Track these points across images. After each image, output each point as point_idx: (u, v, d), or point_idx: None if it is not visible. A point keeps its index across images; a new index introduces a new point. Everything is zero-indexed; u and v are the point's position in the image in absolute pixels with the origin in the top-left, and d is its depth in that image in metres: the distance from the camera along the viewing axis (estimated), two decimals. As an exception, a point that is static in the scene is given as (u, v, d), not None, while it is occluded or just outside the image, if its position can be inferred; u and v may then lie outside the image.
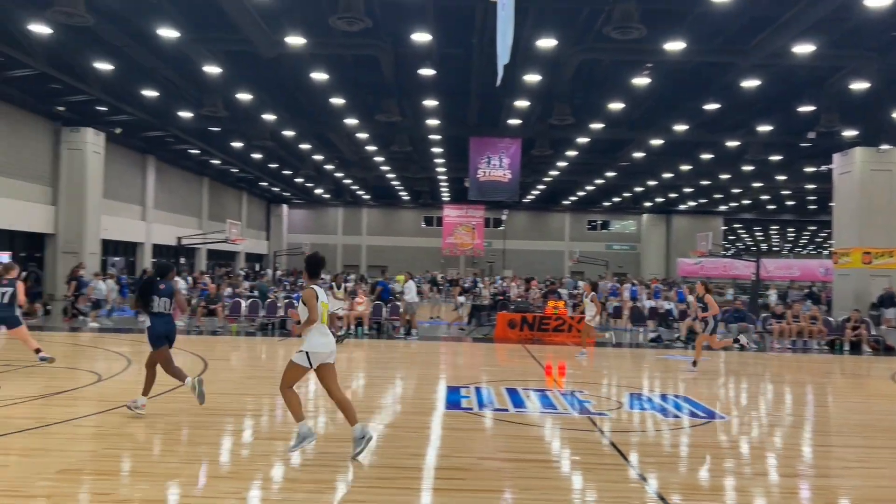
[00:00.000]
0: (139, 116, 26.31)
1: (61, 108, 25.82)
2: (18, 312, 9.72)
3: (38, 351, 9.50)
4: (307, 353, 6.12)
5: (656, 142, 28.98)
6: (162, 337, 7.66)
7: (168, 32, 17.52)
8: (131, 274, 32.23)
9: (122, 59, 20.79)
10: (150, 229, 35.62)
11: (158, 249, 36.67)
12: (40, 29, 17.79)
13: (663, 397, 9.99)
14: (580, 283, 27.04)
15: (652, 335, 18.47)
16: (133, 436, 6.77)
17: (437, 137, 30.29)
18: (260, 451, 6.37)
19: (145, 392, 7.61)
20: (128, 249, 34.52)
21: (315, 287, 6.17)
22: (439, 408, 8.73)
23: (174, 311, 7.85)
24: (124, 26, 18.13)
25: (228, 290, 20.78)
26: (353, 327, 17.16)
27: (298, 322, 6.22)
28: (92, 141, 27.84)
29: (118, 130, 29.14)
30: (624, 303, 22.75)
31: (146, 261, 34.62)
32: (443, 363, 13.19)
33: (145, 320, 7.78)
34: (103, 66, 21.23)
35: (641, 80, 20.43)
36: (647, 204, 51.16)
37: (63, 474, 5.40)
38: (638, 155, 32.04)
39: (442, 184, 44.93)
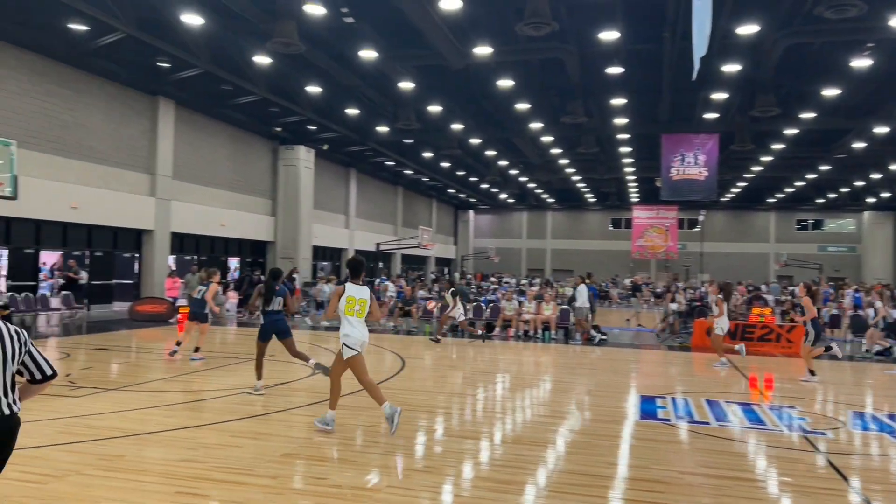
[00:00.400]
0: (343, 133, 28.59)
1: (278, 129, 28.87)
2: (207, 310, 11.94)
3: (196, 350, 11.78)
4: (345, 343, 7.06)
5: (880, 130, 25.61)
6: (269, 332, 9.09)
7: (368, 53, 18.88)
8: (337, 277, 35.07)
9: (328, 82, 22.79)
10: (353, 236, 38.54)
11: (359, 254, 39.54)
12: (262, 59, 20.08)
13: (892, 417, 8.82)
14: (795, 289, 24.67)
15: (878, 347, 16.33)
16: (342, 426, 7.38)
17: (626, 136, 29.38)
18: (453, 448, 6.62)
19: (258, 376, 9.08)
20: (334, 255, 37.65)
21: (347, 285, 7.20)
22: (632, 417, 8.47)
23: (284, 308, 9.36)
24: (330, 51, 19.85)
25: (422, 293, 21.83)
26: (539, 331, 17.19)
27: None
28: (304, 157, 30.84)
29: (325, 147, 31.97)
30: (844, 310, 20.39)
31: (348, 265, 37.45)
32: (634, 371, 12.77)
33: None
34: (313, 89, 23.44)
35: (861, 63, 18.21)
36: (870, 200, 45.26)
37: (285, 458, 6.05)
38: (858, 145, 28.53)
39: (630, 184, 43.46)
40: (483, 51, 18.47)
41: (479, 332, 16.25)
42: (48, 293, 18.95)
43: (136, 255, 23.64)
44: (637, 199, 47.47)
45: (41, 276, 20.16)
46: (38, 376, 3.54)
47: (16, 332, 3.43)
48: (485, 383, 10.63)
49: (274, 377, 10.41)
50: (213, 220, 26.46)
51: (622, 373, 12.40)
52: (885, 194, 42.66)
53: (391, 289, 21.81)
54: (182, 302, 20.41)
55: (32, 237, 19.84)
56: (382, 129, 28.49)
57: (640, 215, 45.78)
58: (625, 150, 32.35)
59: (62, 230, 20.70)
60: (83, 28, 17.52)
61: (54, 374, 3.59)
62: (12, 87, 18.43)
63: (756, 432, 7.72)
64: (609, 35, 17.18)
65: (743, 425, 8.05)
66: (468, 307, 17.61)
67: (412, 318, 18.71)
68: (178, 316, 16.54)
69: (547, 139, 30.11)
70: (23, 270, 19.62)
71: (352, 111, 26.36)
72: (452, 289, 17.08)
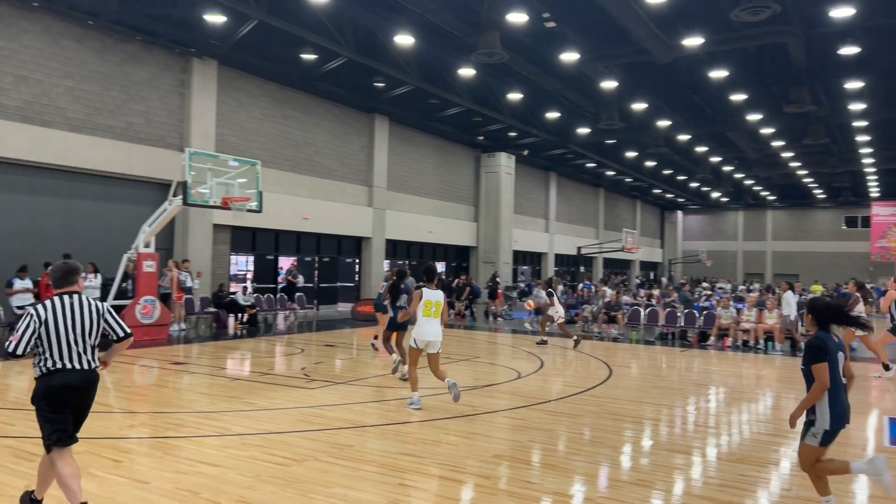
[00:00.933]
0: (543, 137, 28.72)
1: (481, 138, 29.79)
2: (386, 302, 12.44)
3: (375, 337, 13.19)
4: (414, 338, 8.24)
5: None
6: (396, 324, 10.61)
7: (569, 56, 18.79)
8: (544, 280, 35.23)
9: (529, 88, 23.08)
10: (553, 240, 38.49)
11: (560, 259, 39.40)
12: (466, 71, 20.87)
13: None
14: None
15: None
16: (549, 431, 7.41)
17: (863, 124, 26.04)
18: (662, 462, 6.34)
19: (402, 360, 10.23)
20: (533, 259, 37.91)
21: (424, 290, 8.34)
22: (873, 441, 7.47)
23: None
24: (532, 57, 20.07)
25: (626, 298, 21.17)
26: (760, 342, 15.81)
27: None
28: (504, 163, 31.48)
29: (525, 152, 32.34)
30: None
31: (549, 269, 37.51)
32: (876, 389, 11.23)
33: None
34: (514, 96, 23.86)
35: None
36: None
37: (496, 458, 6.22)
38: None
39: (869, 177, 38.36)
40: (693, 42, 17.52)
41: (574, 336, 15.25)
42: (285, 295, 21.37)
43: (357, 260, 25.79)
44: (877, 194, 41.76)
45: (279, 279, 22.81)
46: (117, 336, 4.64)
47: (95, 306, 4.58)
48: (697, 395, 10.04)
49: (481, 378, 10.74)
50: (421, 226, 28.02)
51: (860, 390, 10.97)
52: None
53: (541, 296, 21.51)
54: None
55: (272, 245, 22.54)
56: (583, 130, 28.15)
57: (880, 212, 40.29)
58: (862, 138, 28.70)
59: (296, 239, 23.24)
60: (312, 56, 19.55)
61: (128, 335, 4.68)
62: (255, 113, 21.09)
63: None
64: (842, 12, 15.38)
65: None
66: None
67: (618, 324, 18.22)
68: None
69: (767, 131, 27.69)
70: (265, 274, 22.41)
71: (552, 115, 26.40)
72: (549, 289, 16.17)
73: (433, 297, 8.30)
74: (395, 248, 27.59)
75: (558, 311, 15.82)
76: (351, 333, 17.46)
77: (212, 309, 17.85)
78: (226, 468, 5.66)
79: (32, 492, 4.66)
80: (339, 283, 25.52)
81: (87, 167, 16.74)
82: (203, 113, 19.24)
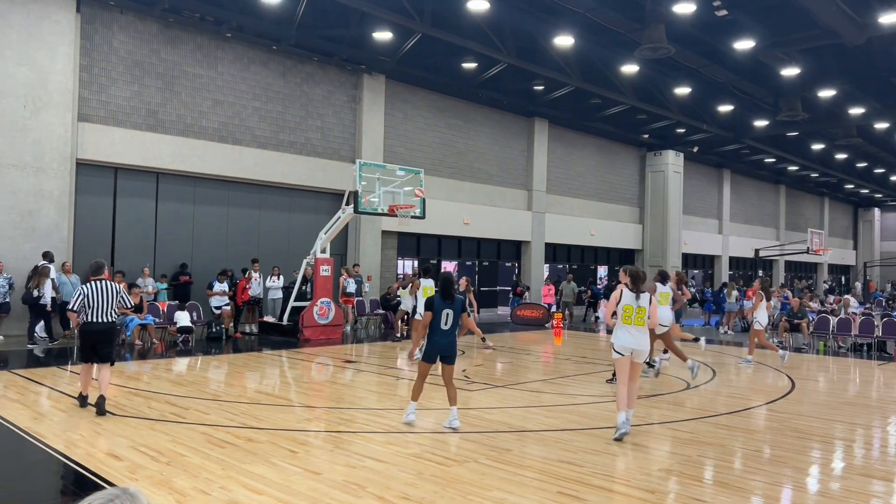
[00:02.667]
0: (713, 132, 27.02)
1: (645, 136, 28.63)
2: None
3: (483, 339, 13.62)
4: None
5: None
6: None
7: (744, 44, 17.55)
8: (711, 285, 33.16)
9: (698, 81, 21.84)
10: (727, 242, 36.02)
11: (734, 262, 36.79)
12: (629, 68, 20.20)
13: None
14: None
15: None
16: (721, 446, 6.92)
17: None
18: (856, 488, 5.66)
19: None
20: (705, 262, 35.71)
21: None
22: None
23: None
24: (700, 49, 18.98)
25: (814, 304, 19.29)
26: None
27: None
28: (672, 162, 30.01)
29: (695, 149, 30.59)
30: None
31: (723, 273, 35.13)
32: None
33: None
34: (681, 91, 22.69)
35: None
36: None
37: (661, 472, 5.91)
38: None
39: None
40: (891, 19, 15.60)
41: (778, 351, 13.25)
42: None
43: (517, 264, 25.86)
44: None
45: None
46: (129, 306, 8.37)
47: (114, 287, 7.92)
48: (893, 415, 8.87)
49: (645, 388, 10.30)
50: (582, 229, 27.49)
51: None
52: None
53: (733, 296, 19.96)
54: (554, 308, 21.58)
55: (435, 250, 23.26)
56: (760, 123, 26.12)
57: None
58: None
59: (457, 243, 23.80)
60: (473, 65, 19.95)
61: (133, 307, 8.74)
62: (420, 124, 21.91)
63: None
64: None
65: None
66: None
67: (802, 333, 16.63)
68: (554, 322, 17.55)
69: None
70: (428, 278, 23.18)
71: (724, 108, 24.80)
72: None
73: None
74: (555, 252, 27.30)
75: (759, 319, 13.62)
76: (511, 337, 17.52)
77: (380, 311, 18.77)
78: (390, 464, 5.90)
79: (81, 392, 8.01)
80: (498, 287, 25.74)
81: (273, 180, 18.35)
82: (372, 126, 20.34)
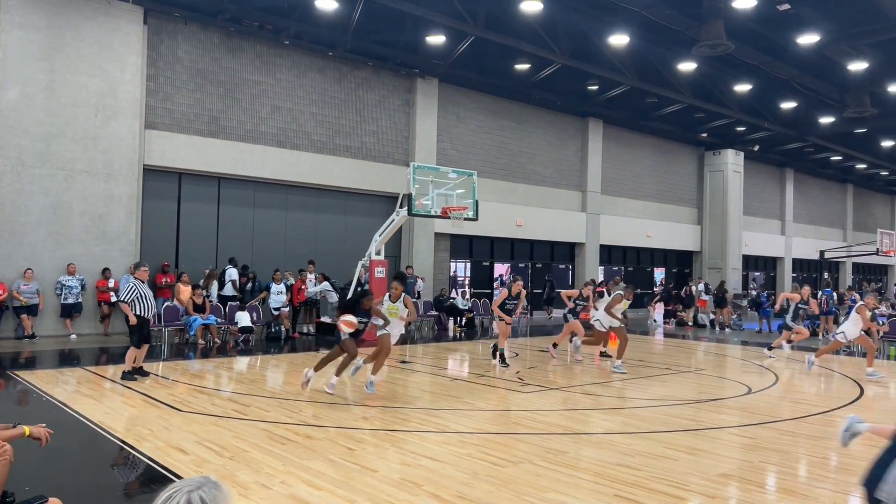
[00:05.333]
0: (775, 130, 26.21)
1: (704, 135, 27.97)
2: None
3: (555, 345, 13.24)
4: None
5: None
6: None
7: (807, 39, 16.98)
8: (771, 289, 32.12)
9: (758, 78, 21.23)
10: (790, 243, 34.83)
11: (798, 263, 35.54)
12: (686, 66, 19.79)
13: None
14: None
15: None
16: (785, 453, 6.71)
17: None
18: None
19: None
20: (767, 263, 34.62)
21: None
22: None
23: None
24: (761, 44, 18.46)
25: (883, 308, 18.48)
26: None
27: None
28: (732, 161, 29.23)
29: (756, 148, 29.73)
30: None
31: (786, 275, 33.98)
32: None
33: None
34: (741, 88, 22.10)
35: None
36: None
37: (722, 478, 5.78)
38: None
39: None
40: (967, 8, 14.84)
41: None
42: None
43: (570, 266, 25.62)
44: None
45: (494, 285, 23.48)
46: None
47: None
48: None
49: (706, 392, 10.08)
50: (638, 231, 27.03)
51: None
52: None
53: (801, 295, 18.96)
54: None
55: (488, 252, 23.28)
56: (826, 120, 25.18)
57: None
58: None
59: (510, 245, 23.76)
60: (526, 66, 19.90)
61: (119, 300, 10.16)
62: (472, 126, 21.97)
63: None
64: None
65: None
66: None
67: (872, 337, 15.92)
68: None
69: None
70: (481, 280, 23.21)
71: (787, 105, 24.01)
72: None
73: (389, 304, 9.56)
74: (610, 254, 26.92)
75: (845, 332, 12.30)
76: (565, 340, 17.33)
77: (433, 312, 18.89)
78: (445, 463, 5.95)
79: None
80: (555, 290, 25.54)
81: (329, 184, 18.71)
82: (426, 129, 20.51)
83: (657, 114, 24.50)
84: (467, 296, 20.15)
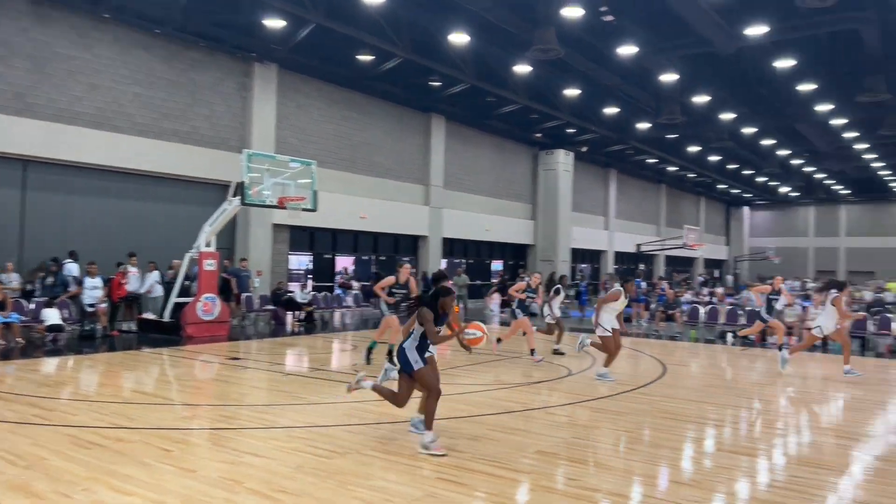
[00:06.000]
0: (601, 133, 28.24)
1: (538, 135, 29.51)
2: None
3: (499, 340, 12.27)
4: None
5: None
6: None
7: (628, 49, 18.40)
8: (594, 279, 34.68)
9: (586, 83, 22.71)
10: (612, 238, 37.79)
11: (619, 256, 38.65)
12: (522, 68, 20.71)
13: None
14: None
15: None
16: (595, 428, 7.26)
17: (947, 112, 24.49)
18: (723, 463, 6.12)
19: None
20: (593, 257, 37.30)
21: None
22: (952, 447, 7.01)
23: None
24: (588, 52, 19.74)
25: (687, 296, 20.61)
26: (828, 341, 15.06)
27: None
28: (563, 161, 31.11)
29: (584, 149, 31.86)
30: None
31: (608, 267, 36.84)
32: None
33: None
34: (571, 92, 23.53)
35: None
36: None
37: (538, 455, 6.14)
38: None
39: (955, 169, 36.13)
40: (757, 31, 16.87)
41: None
42: (341, 293, 21.79)
43: (414, 259, 25.96)
44: (965, 187, 39.24)
45: (337, 279, 23.25)
46: None
47: None
48: (761, 396, 9.65)
49: (532, 375, 10.64)
50: (478, 225, 27.99)
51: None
52: None
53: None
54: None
55: (330, 244, 22.97)
56: (643, 125, 27.52)
57: (969, 206, 37.74)
58: (946, 127, 26.93)
59: (353, 238, 23.61)
60: (369, 57, 19.80)
61: None
62: (314, 115, 21.53)
63: None
64: (919, -7, 14.50)
65: None
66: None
67: (676, 322, 17.74)
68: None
69: (839, 122, 26.42)
70: (323, 273, 22.86)
71: (611, 110, 25.92)
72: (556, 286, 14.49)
73: None
74: (452, 247, 27.64)
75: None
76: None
77: (270, 306, 18.30)
78: (270, 459, 5.78)
79: None
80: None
81: (155, 170, 17.45)
82: (263, 115, 19.77)
83: (496, 113, 25.47)
84: (307, 289, 19.72)
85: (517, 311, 12.33)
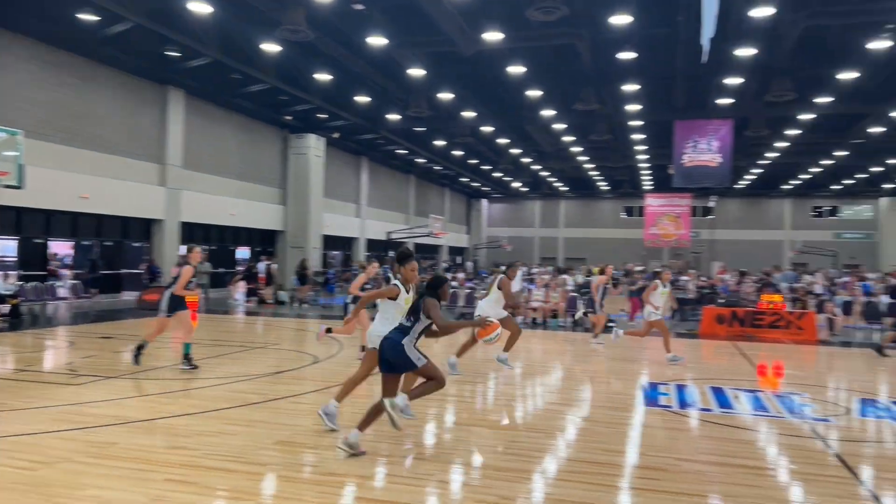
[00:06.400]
0: (353, 121, 28.45)
1: (288, 117, 28.78)
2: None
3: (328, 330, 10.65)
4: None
5: (900, 114, 25.08)
6: None
7: (377, 40, 18.68)
8: (346, 267, 35.07)
9: (338, 69, 22.65)
10: (364, 225, 38.50)
11: (371, 244, 39.54)
12: (270, 47, 19.97)
13: (907, 408, 8.63)
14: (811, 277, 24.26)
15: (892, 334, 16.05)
16: (345, 414, 7.30)
17: (639, 123, 29.00)
18: (461, 437, 6.52)
19: None
20: (345, 244, 37.64)
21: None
22: (637, 405, 8.34)
23: None
24: (339, 38, 19.70)
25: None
26: (547, 319, 17.06)
27: None
28: (314, 146, 30.75)
29: (336, 135, 31.87)
30: (857, 297, 20.01)
31: (360, 254, 37.48)
32: (644, 359, 12.59)
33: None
34: (322, 77, 23.30)
35: (879, 45, 17.76)
36: (887, 186, 44.47)
37: (277, 445, 5.98)
38: (875, 130, 27.99)
39: (643, 172, 42.99)
40: (494, 37, 18.21)
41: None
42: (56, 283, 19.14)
43: (146, 244, 23.73)
44: (650, 187, 46.98)
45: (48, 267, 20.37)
46: None
47: None
48: (491, 371, 10.53)
49: (276, 365, 10.37)
50: (222, 209, 26.50)
51: (631, 360, 12.25)
52: (905, 181, 41.90)
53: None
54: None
55: (42, 227, 19.97)
56: (393, 116, 28.32)
57: (652, 203, 45.31)
58: (638, 136, 31.96)
59: (72, 220, 20.81)
60: (93, 17, 17.51)
61: None
62: (23, 77, 18.49)
63: (761, 419, 7.56)
64: (621, 19, 16.83)
65: (747, 412, 7.89)
66: None
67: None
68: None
69: (559, 126, 29.80)
70: (33, 260, 19.77)
71: (362, 99, 26.20)
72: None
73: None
74: (192, 232, 25.77)
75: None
76: (135, 324, 16.02)
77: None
78: (-49, 480, 4.84)
79: None
80: (124, 270, 23.34)
81: None
82: (-48, 72, 16.48)
83: (243, 91, 24.25)
84: (11, 279, 16.93)
85: (351, 305, 11.16)
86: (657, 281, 12.23)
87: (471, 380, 9.74)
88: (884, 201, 47.63)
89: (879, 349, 13.45)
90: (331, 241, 34.95)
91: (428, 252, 48.39)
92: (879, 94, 22.85)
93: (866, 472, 5.76)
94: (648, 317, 12.08)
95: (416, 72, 21.87)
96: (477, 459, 5.86)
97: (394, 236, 38.62)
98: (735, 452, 6.20)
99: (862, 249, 47.63)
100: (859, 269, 29.48)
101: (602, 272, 14.09)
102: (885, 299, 18.06)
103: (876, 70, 20.20)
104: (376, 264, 12.11)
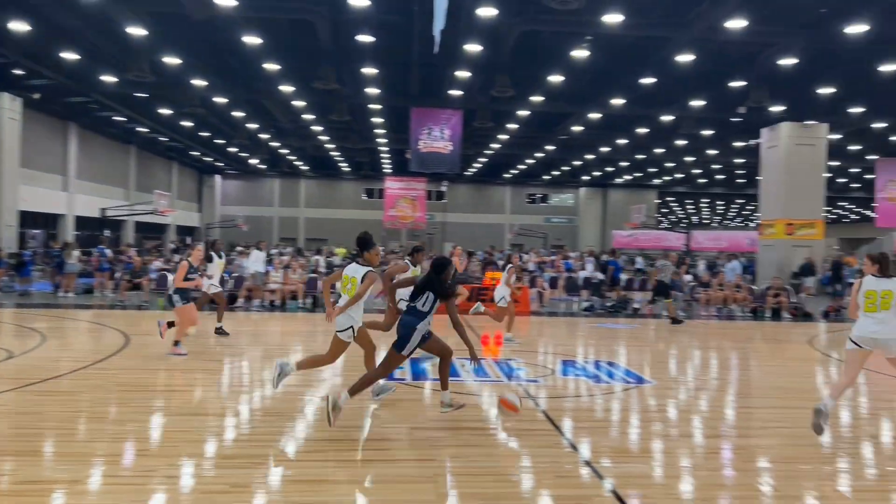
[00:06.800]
0: (59, 81, 24.80)
1: (-29, 71, 24.08)
2: None
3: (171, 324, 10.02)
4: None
5: (594, 116, 29.26)
6: None
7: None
8: (49, 247, 30.65)
9: (39, 20, 19.46)
10: (73, 200, 33.92)
11: (82, 221, 35.02)
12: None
13: (596, 364, 10.16)
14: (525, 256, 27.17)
15: (585, 304, 18.83)
16: (38, 414, 6.37)
17: (378, 107, 29.75)
18: (188, 427, 6.10)
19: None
20: (48, 221, 32.81)
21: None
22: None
23: None
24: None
25: (157, 264, 19.98)
26: (286, 301, 16.80)
27: None
28: (8, 107, 26.10)
29: (37, 96, 27.46)
30: (560, 273, 23.05)
31: (68, 233, 33.02)
32: (375, 335, 13.01)
33: None
34: (19, 27, 19.81)
35: (580, 53, 20.44)
36: (585, 178, 51.89)
37: (-39, 456, 5.03)
38: (576, 129, 32.31)
39: (383, 155, 44.34)
40: (226, 2, 17.16)
41: None
42: None
43: None
44: (390, 170, 48.67)
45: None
46: None
47: None
48: (226, 358, 10.02)
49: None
50: None
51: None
52: (597, 173, 49.23)
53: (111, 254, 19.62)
54: None
55: None
56: (109, 79, 25.26)
57: (392, 186, 46.98)
58: (377, 120, 32.79)
59: None
60: None
61: None
62: None
63: (484, 385, 8.31)
64: (359, 1, 17.01)
65: (472, 379, 8.62)
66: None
67: (143, 290, 17.05)
68: None
69: (299, 104, 29.29)
70: None
71: (70, 56, 22.89)
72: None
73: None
74: None
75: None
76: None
77: None
78: None
79: None
80: None
81: None
82: None
83: None
84: None
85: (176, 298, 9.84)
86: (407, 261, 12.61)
87: (191, 367, 9.17)
88: (583, 191, 55.44)
89: (673, 320, 15.45)
90: (30, 218, 30.23)
91: (153, 231, 44.43)
92: (580, 96, 26.37)
93: (567, 425, 6.65)
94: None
95: (137, 31, 19.73)
96: (210, 448, 5.55)
97: (110, 213, 34.65)
98: (462, 417, 6.72)
99: (565, 232, 54.86)
100: (563, 249, 33.94)
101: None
102: (582, 274, 21.03)
103: (577, 75, 23.24)
104: (200, 248, 10.73)
